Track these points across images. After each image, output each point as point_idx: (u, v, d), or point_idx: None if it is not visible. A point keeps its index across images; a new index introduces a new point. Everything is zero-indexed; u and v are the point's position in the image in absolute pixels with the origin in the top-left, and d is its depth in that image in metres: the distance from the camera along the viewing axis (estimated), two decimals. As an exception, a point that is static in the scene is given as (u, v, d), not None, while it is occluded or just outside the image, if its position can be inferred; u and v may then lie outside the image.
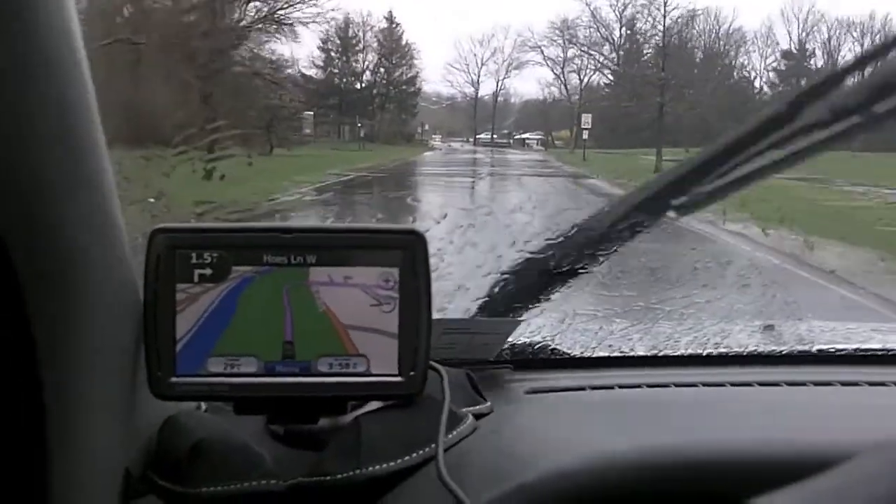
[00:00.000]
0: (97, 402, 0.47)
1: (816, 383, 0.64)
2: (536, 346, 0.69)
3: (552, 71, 41.15)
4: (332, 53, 39.63)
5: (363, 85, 40.80)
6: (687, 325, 0.78)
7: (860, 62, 0.56)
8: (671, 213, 0.61)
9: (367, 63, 40.00)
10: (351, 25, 39.34)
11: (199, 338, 0.51)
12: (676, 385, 0.62)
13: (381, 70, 40.61)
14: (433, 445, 0.50)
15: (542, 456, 0.47)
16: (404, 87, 41.39)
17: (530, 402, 0.60)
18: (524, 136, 46.13)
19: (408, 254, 0.51)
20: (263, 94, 18.87)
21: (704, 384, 0.63)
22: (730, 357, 0.70)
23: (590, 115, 26.18)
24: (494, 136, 44.71)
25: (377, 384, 0.52)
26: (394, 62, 40.48)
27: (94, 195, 0.44)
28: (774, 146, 0.56)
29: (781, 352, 0.71)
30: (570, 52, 38.94)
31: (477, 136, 44.56)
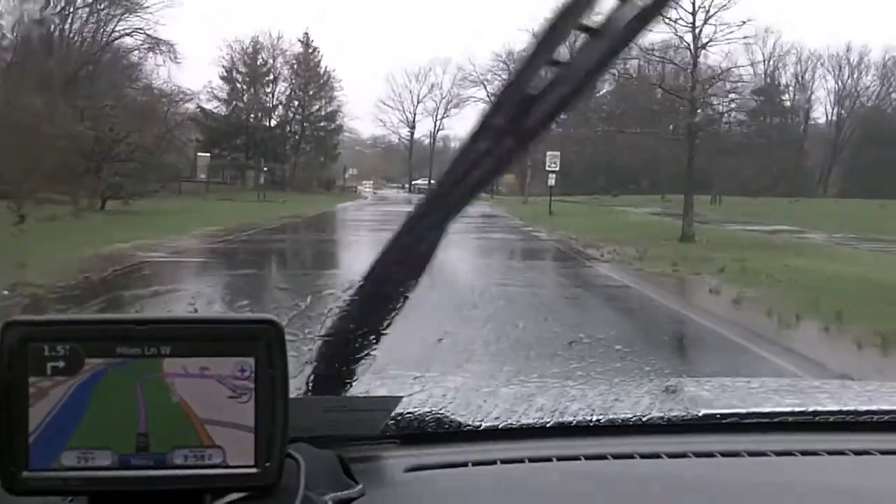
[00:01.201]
0: None
1: (697, 454, 0.77)
2: (423, 420, 0.79)
3: None
4: (238, 84, 38.77)
5: (275, 122, 40.01)
6: (574, 393, 0.90)
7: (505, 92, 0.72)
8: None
9: (277, 95, 39.43)
10: (261, 52, 38.73)
11: (52, 431, 0.58)
12: (559, 458, 0.74)
13: (295, 103, 39.96)
14: None
15: None
16: (322, 123, 40.78)
17: (407, 483, 0.70)
18: None
19: (263, 343, 0.60)
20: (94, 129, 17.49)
21: (587, 457, 0.74)
22: (616, 426, 0.82)
23: (557, 154, 25.38)
24: (432, 181, 45.66)
25: (233, 476, 0.60)
26: (310, 94, 39.95)
27: None
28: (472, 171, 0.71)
29: (667, 419, 0.84)
30: None
31: (413, 182, 44.75)
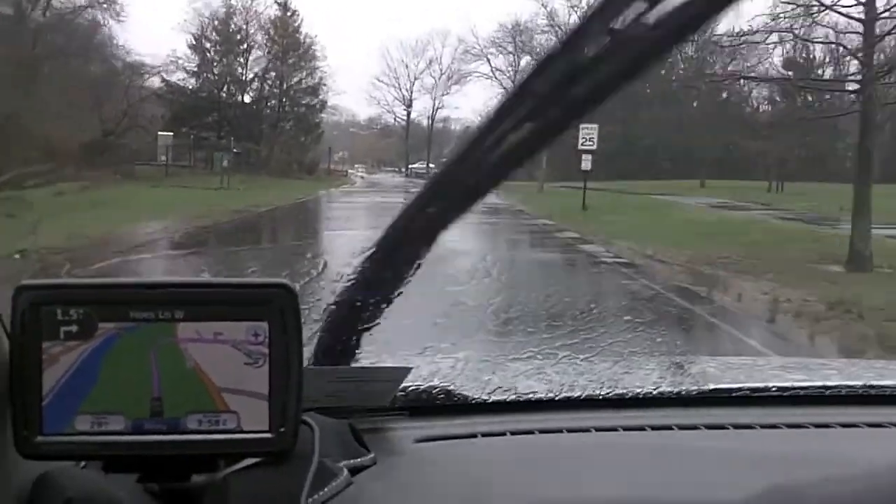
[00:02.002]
0: None
1: (709, 426, 0.87)
2: (432, 392, 0.91)
3: (501, 85, 42.13)
4: (209, 54, 37.97)
5: (250, 97, 39.53)
6: (583, 366, 1.01)
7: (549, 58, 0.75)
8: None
9: (252, 66, 38.77)
10: (234, 16, 38.01)
11: (65, 396, 0.67)
12: (569, 430, 0.84)
13: (272, 75, 39.45)
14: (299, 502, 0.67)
15: None
16: (303, 98, 40.35)
17: (417, 452, 0.80)
18: None
19: (277, 308, 0.69)
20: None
21: (597, 429, 0.84)
22: (626, 400, 0.93)
23: (594, 129, 20.68)
24: (431, 164, 45.44)
25: (247, 441, 0.69)
26: (289, 63, 39.41)
27: None
28: (493, 148, 0.76)
29: (677, 393, 0.95)
30: (524, 62, 39.92)
31: (410, 166, 44.85)
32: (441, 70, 47.74)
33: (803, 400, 0.98)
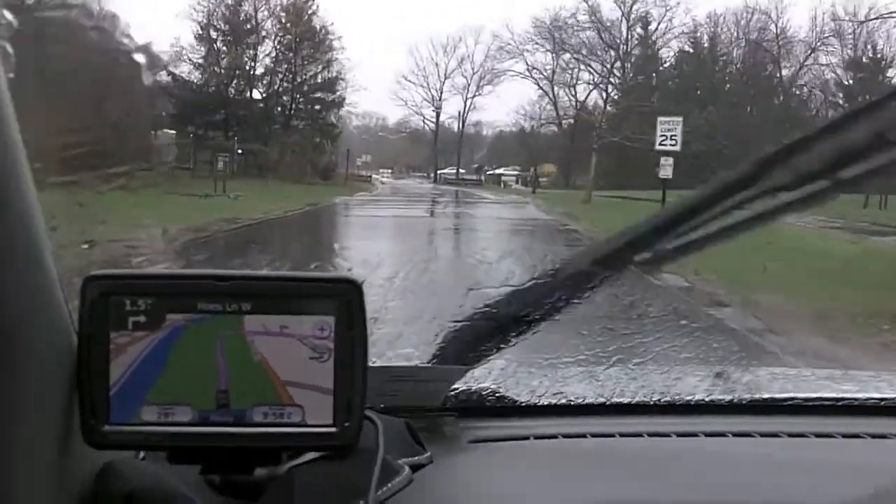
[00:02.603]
0: (31, 449, 0.69)
1: (763, 434, 0.97)
2: (482, 394, 1.02)
3: (537, 84, 42.90)
4: (217, 44, 37.66)
5: (262, 93, 39.49)
6: (635, 372, 1.12)
7: (827, 128, 0.86)
8: (633, 268, 0.93)
9: (263, 59, 38.73)
10: (245, 3, 37.81)
11: (132, 386, 0.75)
12: (621, 435, 0.94)
13: (284, 67, 39.50)
14: (367, 498, 0.75)
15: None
16: (318, 94, 40.44)
17: (472, 453, 0.91)
18: (499, 171, 47.03)
19: (343, 303, 0.77)
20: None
21: (650, 434, 0.95)
22: (677, 406, 1.04)
23: (677, 122, 19.93)
24: (461, 171, 45.15)
25: (312, 434, 0.77)
26: (303, 55, 39.52)
27: (23, 239, 0.68)
28: (738, 207, 0.87)
29: (729, 400, 1.05)
30: (563, 60, 40.73)
31: (440, 172, 45.63)
32: (473, 69, 48.61)
33: (857, 410, 1.07)
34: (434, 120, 49.20)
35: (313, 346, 0.77)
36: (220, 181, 24.54)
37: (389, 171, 48.55)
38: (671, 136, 18.79)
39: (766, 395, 1.11)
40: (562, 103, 43.34)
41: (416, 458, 0.87)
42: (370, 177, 42.14)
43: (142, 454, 0.86)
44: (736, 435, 0.98)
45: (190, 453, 0.80)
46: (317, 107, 41.16)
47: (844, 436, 0.99)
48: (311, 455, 0.82)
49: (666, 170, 18.49)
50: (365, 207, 24.53)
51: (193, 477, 0.83)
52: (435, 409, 0.98)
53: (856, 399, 1.10)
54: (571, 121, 41.93)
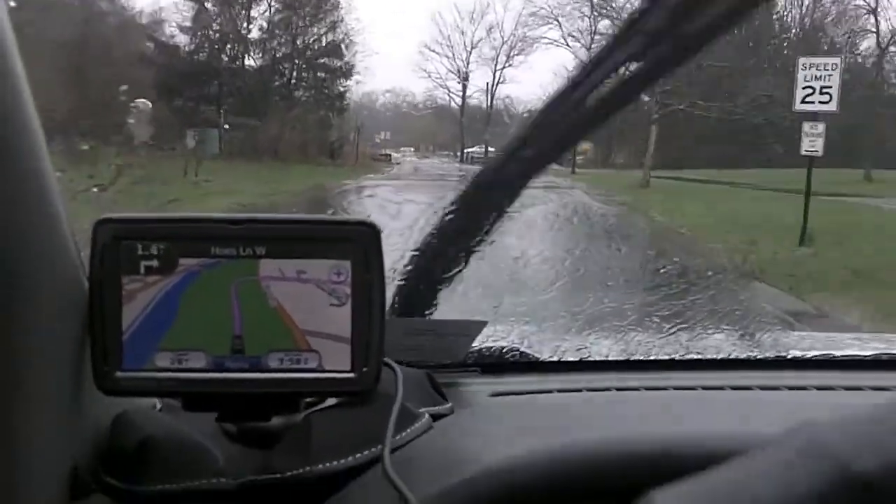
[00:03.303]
0: (42, 396, 0.76)
1: (791, 388, 1.07)
2: (504, 350, 1.13)
3: (574, 54, 41.73)
4: (207, 4, 36.59)
5: (259, 60, 38.36)
6: (662, 331, 1.23)
7: None
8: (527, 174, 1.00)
9: (256, 18, 37.60)
10: None
11: (145, 331, 0.83)
12: (647, 388, 1.04)
13: (282, 29, 38.32)
14: (384, 443, 0.82)
15: (490, 451, 0.79)
16: (322, 60, 39.48)
17: (493, 405, 1.01)
18: None
19: (360, 246, 0.83)
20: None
21: (676, 388, 1.05)
22: (705, 362, 1.15)
23: (836, 64, 11.82)
24: (490, 149, 44.75)
25: (329, 380, 0.84)
26: (305, 16, 38.73)
27: (32, 182, 0.74)
28: (602, 84, 0.94)
29: (756, 357, 1.16)
30: (602, 25, 38.70)
31: (467, 150, 44.82)
32: (503, 37, 48.37)
33: (887, 365, 1.19)
34: (460, 94, 49.04)
35: (330, 290, 0.85)
36: (194, 161, 22.87)
37: (412, 149, 48.24)
38: (822, 88, 12.62)
39: (793, 353, 1.24)
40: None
41: (437, 407, 0.96)
42: (389, 156, 41.26)
43: (158, 406, 0.95)
44: (762, 388, 1.09)
45: (205, 400, 0.88)
46: (321, 74, 40.12)
47: (874, 388, 1.10)
48: (328, 403, 0.91)
49: (813, 142, 12.74)
50: (376, 194, 22.53)
51: (210, 428, 0.91)
52: (456, 365, 1.09)
53: (886, 354, 1.22)
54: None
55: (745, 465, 0.42)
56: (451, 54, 49.08)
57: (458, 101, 49.29)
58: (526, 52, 47.88)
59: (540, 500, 0.72)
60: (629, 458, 0.73)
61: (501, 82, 48.70)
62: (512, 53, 47.74)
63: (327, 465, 0.83)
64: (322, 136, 37.81)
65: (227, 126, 32.39)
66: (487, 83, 48.56)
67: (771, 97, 27.98)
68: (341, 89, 40.88)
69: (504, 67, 48.21)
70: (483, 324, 1.09)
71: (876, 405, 0.42)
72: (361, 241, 0.85)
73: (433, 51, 49.53)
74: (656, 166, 28.81)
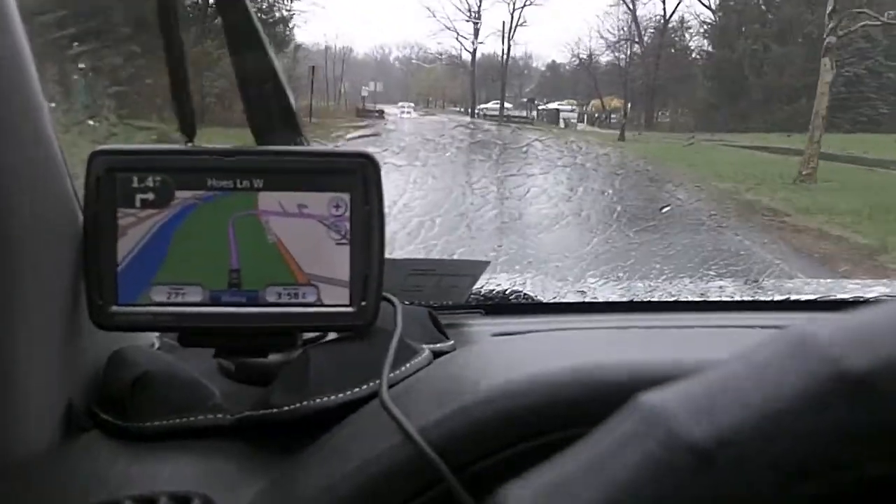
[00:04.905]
0: (38, 332, 0.76)
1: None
2: (507, 292, 1.15)
3: None
4: None
5: None
6: (663, 276, 1.25)
7: None
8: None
9: None
10: None
11: (140, 265, 0.83)
12: (651, 328, 1.06)
13: None
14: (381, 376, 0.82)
15: (489, 379, 0.79)
16: None
17: (495, 343, 1.01)
18: (555, 105, 40.15)
19: (359, 178, 0.84)
20: None
21: (677, 328, 1.06)
22: (707, 303, 1.16)
23: None
24: (507, 105, 40.38)
25: (327, 314, 0.85)
26: None
27: (24, 112, 0.74)
28: None
29: (761, 300, 1.17)
30: None
31: (481, 107, 40.38)
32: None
33: None
34: (471, 37, 43.24)
35: (328, 223, 0.85)
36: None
37: (411, 104, 41.75)
38: None
39: (794, 297, 1.28)
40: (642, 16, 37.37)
41: (439, 344, 0.97)
42: (381, 112, 32.84)
43: (157, 345, 0.96)
44: (765, 327, 1.11)
45: (201, 335, 0.89)
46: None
47: None
48: (327, 338, 0.92)
49: None
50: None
51: (207, 365, 0.92)
52: (459, 306, 1.11)
53: (888, 295, 1.24)
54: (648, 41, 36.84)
55: (738, 364, 0.42)
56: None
57: (469, 46, 43.61)
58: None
59: (540, 423, 0.72)
60: (631, 380, 0.72)
61: (522, 24, 41.76)
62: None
63: (324, 399, 0.83)
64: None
65: (81, 66, 18.94)
66: (504, 22, 41.85)
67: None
68: (285, 12, 25.79)
69: (523, 6, 41.56)
70: (486, 264, 1.10)
71: (871, 306, 0.41)
72: (361, 173, 0.85)
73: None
74: (711, 127, 25.10)
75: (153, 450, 0.82)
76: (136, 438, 0.83)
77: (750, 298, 1.29)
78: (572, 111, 38.97)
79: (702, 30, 35.18)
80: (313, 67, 27.36)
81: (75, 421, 0.83)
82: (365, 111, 31.86)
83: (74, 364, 0.84)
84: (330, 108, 33.78)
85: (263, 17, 23.12)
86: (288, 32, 26.52)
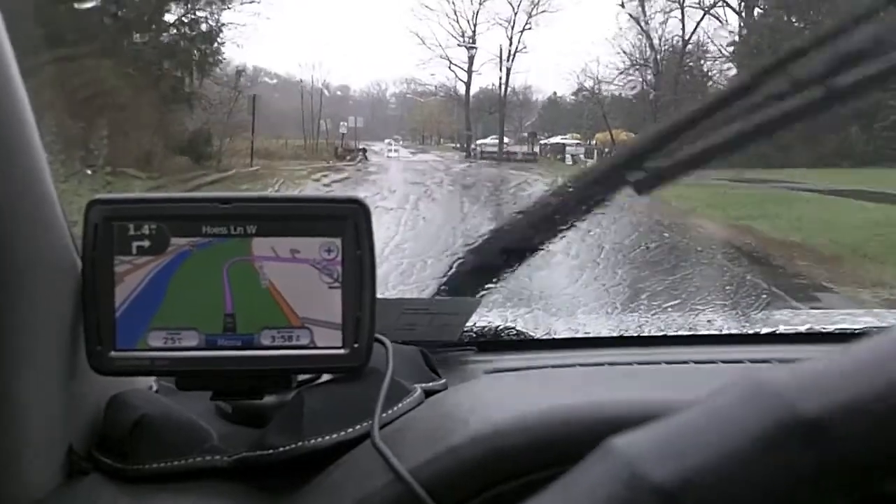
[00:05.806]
0: (37, 377, 0.79)
1: (781, 360, 1.11)
2: (500, 328, 1.18)
3: (621, 4, 30.72)
4: None
5: None
6: (654, 308, 1.28)
7: (823, 37, 0.97)
8: (629, 190, 1.06)
9: None
10: None
11: (138, 311, 0.87)
12: (639, 363, 1.08)
13: None
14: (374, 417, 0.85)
15: (479, 418, 0.81)
16: None
17: (486, 381, 1.04)
18: (562, 140, 36.51)
19: (350, 223, 0.87)
20: None
21: (668, 363, 1.09)
22: (696, 337, 1.19)
23: None
24: (506, 140, 36.58)
25: (321, 357, 0.88)
26: None
27: (25, 164, 0.77)
28: (733, 120, 0.99)
29: (749, 333, 1.21)
30: None
31: (479, 143, 36.43)
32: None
33: None
34: (466, 65, 36.93)
35: (320, 267, 0.89)
36: None
37: (398, 141, 37.94)
38: None
39: (783, 329, 1.30)
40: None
41: (431, 383, 1.00)
42: (363, 151, 28.78)
43: (154, 388, 0.98)
44: (753, 362, 1.14)
45: (198, 378, 0.91)
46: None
47: None
48: (321, 379, 0.95)
49: None
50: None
51: (204, 408, 0.95)
52: (451, 343, 1.13)
53: (877, 327, 1.27)
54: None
55: (701, 409, 0.44)
56: (453, 13, 37.01)
57: (464, 76, 37.66)
58: (552, 10, 35.14)
59: (528, 462, 0.75)
60: (607, 421, 0.75)
61: (522, 50, 35.78)
62: (533, 11, 34.79)
63: (318, 440, 0.86)
64: (167, 116, 18.13)
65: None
66: (500, 47, 35.74)
67: None
68: (211, 23, 20.41)
69: (522, 30, 35.30)
70: (478, 302, 1.13)
71: (828, 353, 0.44)
72: (352, 218, 0.89)
73: (430, 7, 38.18)
74: (744, 163, 17.97)
75: (153, 491, 0.85)
76: (136, 481, 0.86)
77: (738, 332, 1.32)
78: (578, 145, 35.49)
79: (726, 52, 31.11)
80: (254, 96, 23.12)
81: (76, 464, 0.86)
82: (345, 150, 28.39)
83: (74, 408, 0.87)
84: (308, 145, 30.93)
85: (183, 31, 19.78)
86: (214, 49, 20.46)
